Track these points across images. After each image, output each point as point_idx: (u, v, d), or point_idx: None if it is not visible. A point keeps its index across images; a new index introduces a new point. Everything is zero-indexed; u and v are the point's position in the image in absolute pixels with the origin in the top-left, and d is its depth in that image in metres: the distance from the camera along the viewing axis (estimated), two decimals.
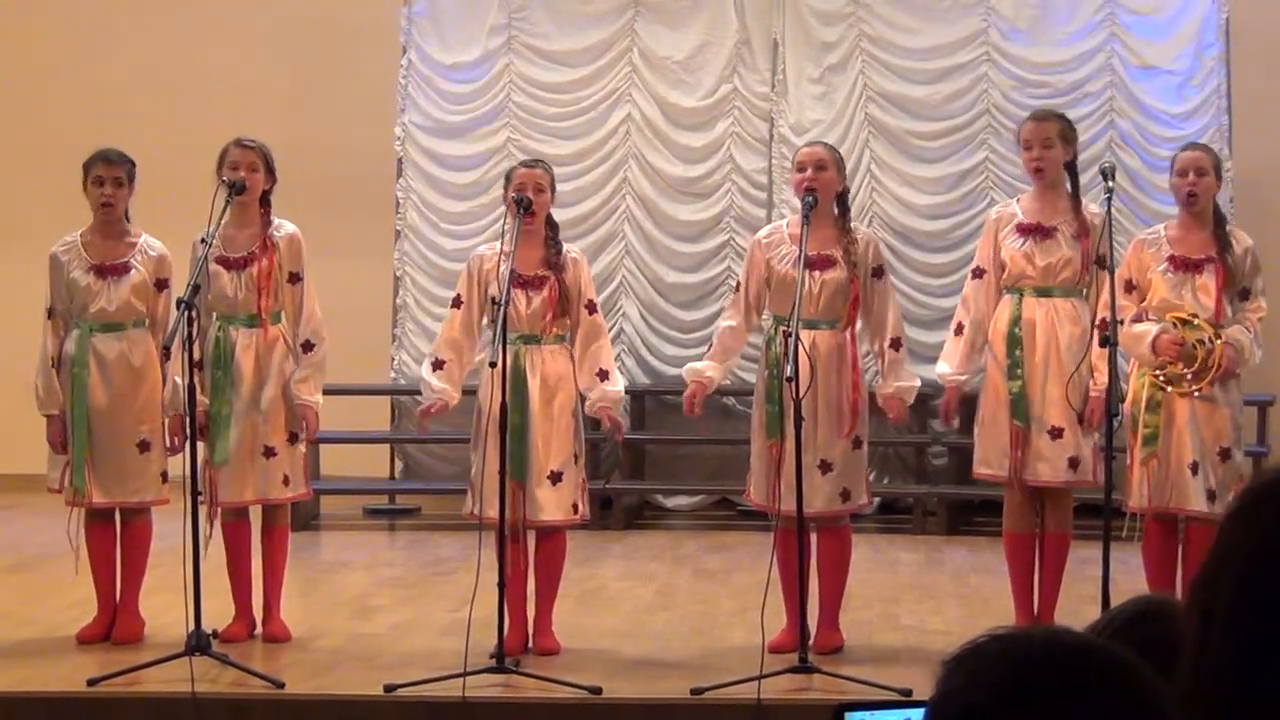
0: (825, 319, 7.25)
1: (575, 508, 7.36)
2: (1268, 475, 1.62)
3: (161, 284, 7.55)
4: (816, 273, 7.20)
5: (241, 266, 7.47)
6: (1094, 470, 7.39)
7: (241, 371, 7.45)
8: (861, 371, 7.37)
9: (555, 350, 7.34)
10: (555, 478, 7.27)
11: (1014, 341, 7.38)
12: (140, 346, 7.50)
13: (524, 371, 7.25)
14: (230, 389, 7.44)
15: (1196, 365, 7.19)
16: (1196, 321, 7.22)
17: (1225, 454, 7.22)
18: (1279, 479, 1.61)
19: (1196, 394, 7.20)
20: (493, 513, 7.01)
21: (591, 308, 7.43)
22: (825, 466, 7.22)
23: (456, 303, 7.45)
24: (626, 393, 11.09)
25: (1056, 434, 7.34)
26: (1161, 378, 7.23)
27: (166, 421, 7.48)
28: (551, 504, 7.27)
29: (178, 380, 7.35)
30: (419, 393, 11.29)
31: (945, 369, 7.56)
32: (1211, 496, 7.17)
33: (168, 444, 7.50)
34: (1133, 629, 2.23)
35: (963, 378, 7.53)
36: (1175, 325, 7.22)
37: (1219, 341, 7.18)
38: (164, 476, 7.53)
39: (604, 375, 7.37)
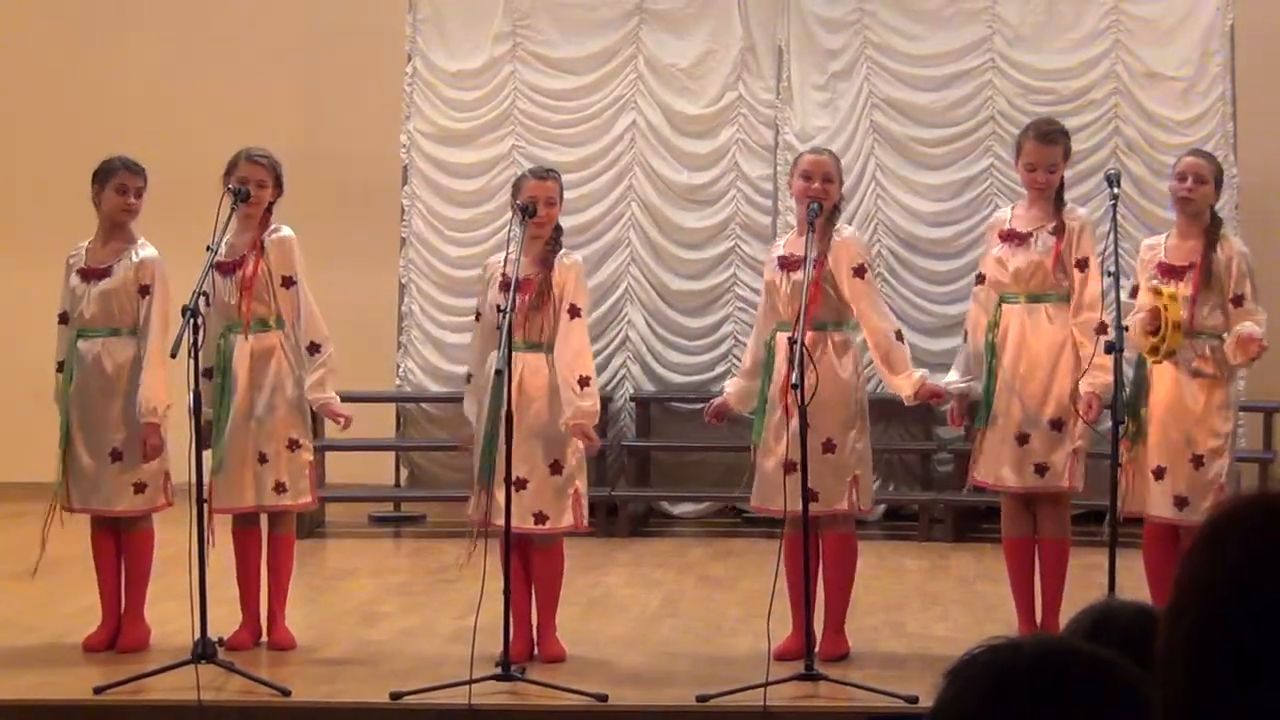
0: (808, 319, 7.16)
1: (540, 516, 7.23)
2: (1228, 506, 1.57)
3: (144, 290, 7.45)
4: (793, 274, 7.18)
5: (232, 271, 7.43)
6: (1068, 474, 7.34)
7: (236, 378, 7.42)
8: (858, 372, 7.34)
9: (540, 358, 7.24)
10: (520, 484, 7.12)
11: (989, 348, 7.39)
12: (118, 353, 7.41)
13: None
14: (228, 395, 7.42)
15: (1157, 327, 7.05)
16: (1163, 293, 7.07)
17: (1197, 461, 7.17)
18: (1240, 510, 1.55)
19: (1171, 358, 7.06)
20: (496, 520, 7.00)
21: (574, 312, 7.23)
22: (790, 467, 7.03)
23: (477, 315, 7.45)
24: (632, 400, 11.19)
25: (1023, 440, 7.33)
26: (1152, 357, 7.13)
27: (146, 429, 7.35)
28: (513, 510, 7.05)
29: (173, 393, 7.34)
30: (424, 400, 11.41)
31: (951, 375, 7.58)
32: (1181, 503, 7.14)
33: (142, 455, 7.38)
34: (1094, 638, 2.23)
35: (961, 385, 7.50)
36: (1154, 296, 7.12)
37: (1169, 308, 7.01)
38: (137, 487, 7.38)
39: (584, 382, 7.20)
